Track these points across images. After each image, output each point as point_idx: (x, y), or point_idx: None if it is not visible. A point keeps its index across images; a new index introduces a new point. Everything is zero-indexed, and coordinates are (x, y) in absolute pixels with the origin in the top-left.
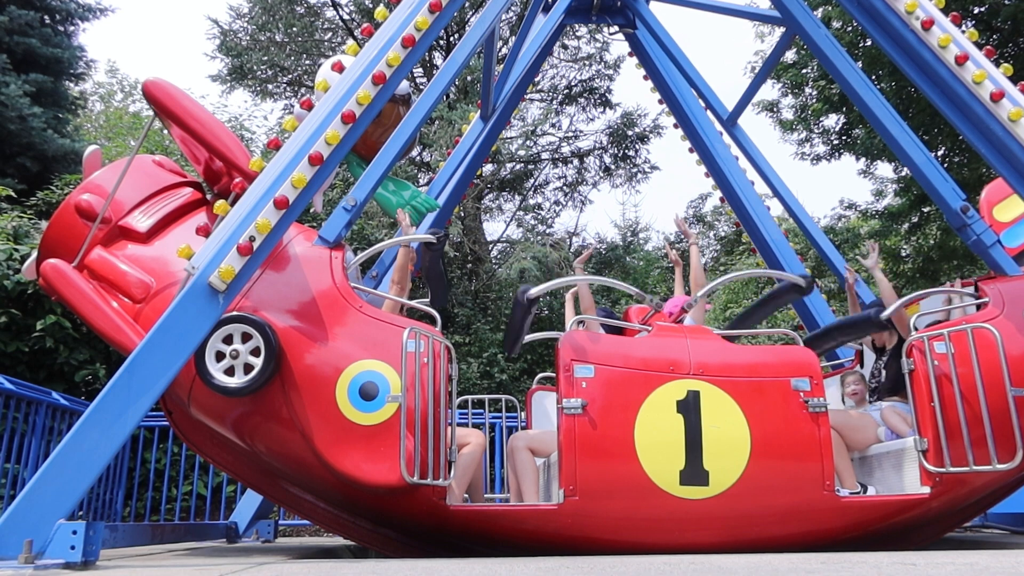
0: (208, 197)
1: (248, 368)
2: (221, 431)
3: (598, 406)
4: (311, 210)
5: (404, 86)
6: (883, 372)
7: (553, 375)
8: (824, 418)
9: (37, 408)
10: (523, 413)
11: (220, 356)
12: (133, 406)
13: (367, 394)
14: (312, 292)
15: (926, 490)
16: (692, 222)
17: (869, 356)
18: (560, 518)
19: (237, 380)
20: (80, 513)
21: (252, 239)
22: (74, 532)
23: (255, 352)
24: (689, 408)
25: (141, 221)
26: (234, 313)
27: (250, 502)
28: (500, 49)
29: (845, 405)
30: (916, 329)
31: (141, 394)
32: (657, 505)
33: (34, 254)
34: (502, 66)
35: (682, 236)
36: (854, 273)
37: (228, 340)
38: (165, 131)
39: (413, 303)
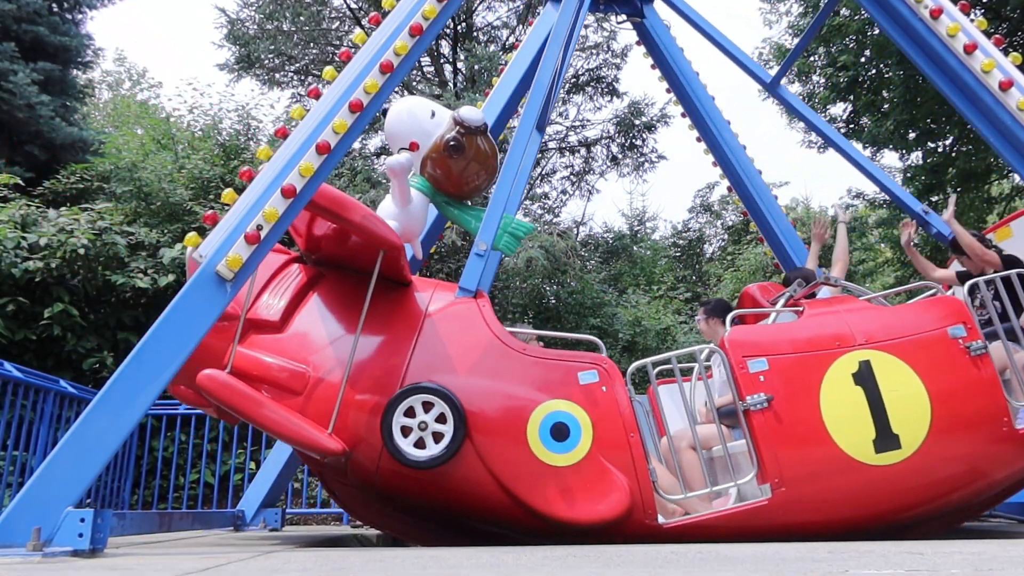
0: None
1: (438, 437)
2: (413, 502)
3: (781, 396)
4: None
5: (480, 117)
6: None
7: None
8: (986, 359)
9: (45, 396)
10: None
11: (405, 431)
12: (141, 394)
13: (559, 434)
14: (474, 345)
15: None
16: (699, 211)
17: None
18: (773, 512)
19: (431, 451)
20: (88, 501)
21: (260, 227)
22: (82, 520)
23: (440, 419)
24: (865, 378)
25: (268, 310)
26: (409, 386)
27: (257, 490)
28: (507, 39)
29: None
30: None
31: (149, 382)
32: (860, 477)
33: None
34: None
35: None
36: (910, 230)
37: (410, 413)
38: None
39: (567, 335)
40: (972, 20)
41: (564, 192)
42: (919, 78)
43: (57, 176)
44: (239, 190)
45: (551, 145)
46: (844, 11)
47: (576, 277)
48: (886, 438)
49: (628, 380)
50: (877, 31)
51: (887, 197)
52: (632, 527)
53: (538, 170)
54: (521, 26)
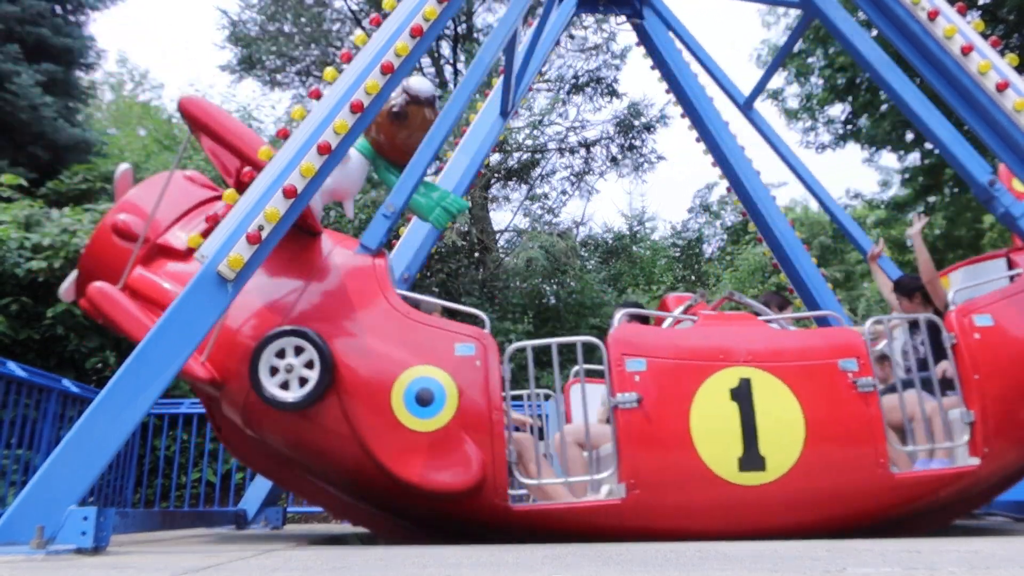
0: None
1: (303, 381)
2: (276, 445)
3: (653, 399)
4: (343, 217)
5: (429, 88)
6: (919, 348)
7: (598, 367)
8: (873, 397)
9: (48, 395)
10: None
11: (274, 371)
12: (143, 394)
13: (423, 400)
14: (360, 301)
15: (975, 461)
16: (698, 211)
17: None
18: (624, 512)
19: (293, 394)
20: (91, 499)
21: (261, 228)
22: (85, 518)
23: (309, 365)
24: (742, 395)
25: (180, 238)
26: (285, 327)
27: (259, 489)
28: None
29: None
30: (954, 304)
31: (151, 382)
32: (717, 493)
33: (72, 275)
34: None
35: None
36: (881, 245)
37: (281, 354)
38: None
39: (460, 307)
40: (969, 21)
41: (564, 192)
42: (916, 79)
43: (60, 177)
44: (240, 190)
45: (551, 145)
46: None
47: (576, 277)
48: (752, 458)
49: (506, 360)
50: (875, 32)
51: (885, 197)
52: (482, 504)
53: (538, 170)
54: (521, 27)
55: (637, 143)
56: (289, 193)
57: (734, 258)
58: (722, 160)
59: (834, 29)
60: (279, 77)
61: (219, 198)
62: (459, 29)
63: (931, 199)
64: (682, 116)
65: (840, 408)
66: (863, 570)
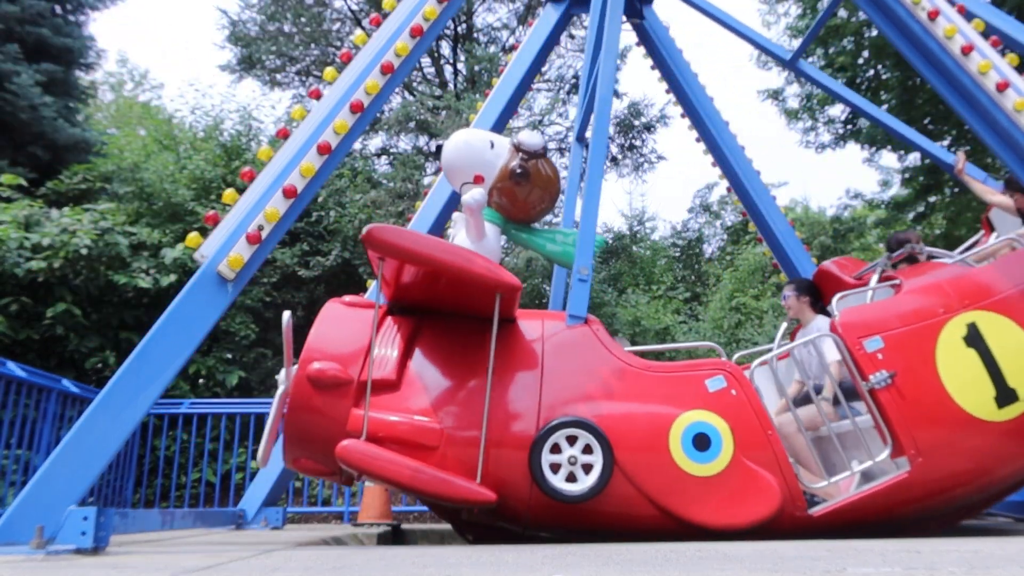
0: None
1: (587, 468)
2: (567, 530)
3: (901, 370)
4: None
5: (540, 141)
6: None
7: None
8: None
9: (48, 395)
10: None
11: (555, 468)
12: (143, 394)
13: (701, 444)
14: (600, 371)
15: None
16: (698, 211)
17: None
18: (914, 484)
19: (585, 484)
20: (90, 499)
21: (261, 228)
22: (85, 518)
23: (586, 450)
24: (975, 339)
25: (383, 368)
26: (552, 423)
27: (258, 489)
28: (507, 40)
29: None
30: None
31: (151, 382)
32: (989, 436)
33: (264, 439)
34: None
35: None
36: (961, 156)
37: (555, 450)
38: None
39: (685, 345)
40: (969, 22)
41: (564, 192)
42: (917, 79)
43: (60, 177)
44: (240, 190)
45: (551, 146)
46: (842, 12)
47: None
48: (1005, 393)
49: (754, 377)
50: (875, 32)
51: (886, 197)
52: (784, 522)
53: None
54: (521, 27)
55: (637, 143)
56: (289, 193)
57: (734, 258)
58: (722, 160)
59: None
60: (279, 77)
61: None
62: (459, 29)
63: (931, 199)
64: (682, 116)
65: None
66: (863, 570)
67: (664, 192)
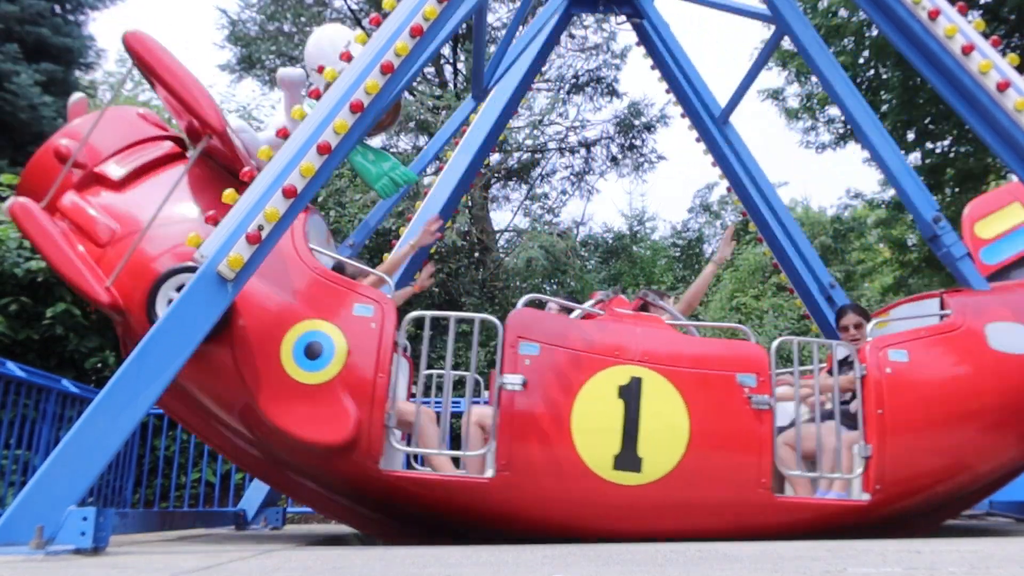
0: (188, 153)
1: None
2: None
3: (538, 384)
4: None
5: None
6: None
7: None
8: (768, 416)
9: (47, 395)
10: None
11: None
12: (142, 394)
13: (312, 353)
14: (279, 247)
15: (866, 497)
16: (698, 211)
17: None
18: (491, 492)
19: None
20: (90, 500)
21: (261, 228)
22: (84, 518)
23: None
24: (631, 394)
25: (115, 169)
26: (188, 263)
27: (259, 489)
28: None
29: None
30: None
31: (150, 382)
32: (588, 488)
33: (12, 199)
34: (494, 47)
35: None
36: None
37: (181, 289)
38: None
39: (367, 268)
40: (970, 21)
41: (564, 192)
42: (917, 79)
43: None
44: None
45: (551, 145)
46: (842, 12)
47: (576, 277)
48: (628, 458)
49: (403, 327)
50: (875, 32)
51: (886, 197)
52: (352, 465)
53: (538, 170)
54: (521, 27)
55: (637, 143)
56: (289, 193)
57: (735, 258)
58: (722, 160)
59: (801, 47)
60: None
61: (168, 138)
62: (459, 29)
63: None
64: (682, 116)
65: (729, 421)
66: (863, 570)
67: (664, 192)
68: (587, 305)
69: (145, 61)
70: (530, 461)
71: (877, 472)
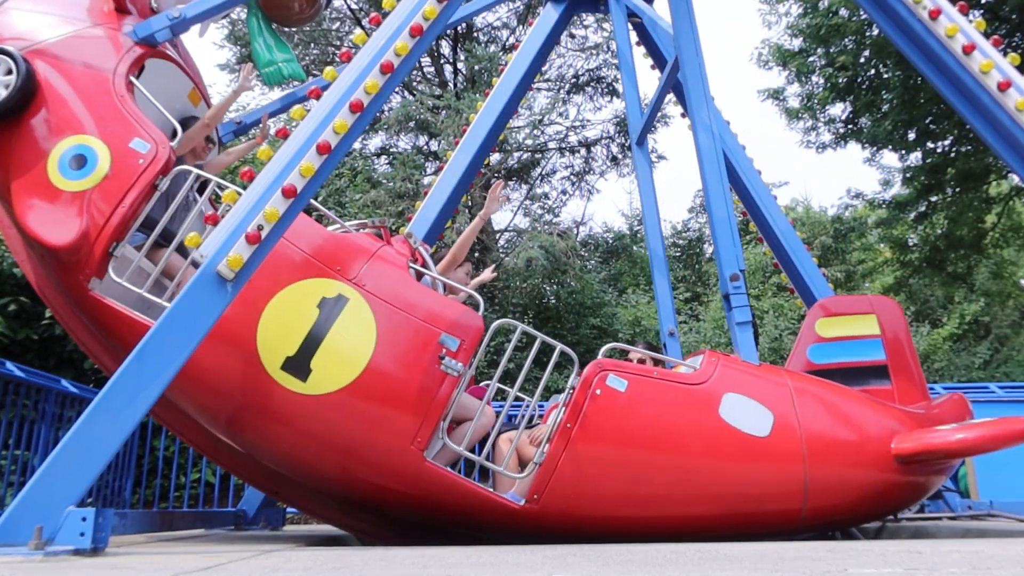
0: None
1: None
2: None
3: (251, 273)
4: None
5: None
6: None
7: None
8: (452, 382)
9: (46, 395)
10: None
11: None
12: (142, 394)
13: (76, 164)
14: (92, 63)
15: (520, 501)
16: (699, 211)
17: None
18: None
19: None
20: (89, 500)
21: (260, 228)
22: (84, 519)
23: (8, 72)
24: (330, 308)
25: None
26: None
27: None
28: (507, 39)
29: None
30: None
31: (150, 382)
32: (250, 375)
33: None
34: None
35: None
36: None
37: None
38: None
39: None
40: (970, 21)
41: (564, 192)
42: (918, 78)
43: None
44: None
45: (551, 145)
46: (843, 11)
47: (576, 277)
48: (299, 365)
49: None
50: (876, 31)
51: (887, 197)
52: (69, 277)
53: (538, 170)
54: (521, 26)
55: None
56: (289, 193)
57: None
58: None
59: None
60: None
61: None
62: (459, 28)
63: (933, 198)
64: (682, 116)
65: (411, 371)
66: (864, 571)
67: (664, 192)
68: (351, 223)
69: None
70: (213, 335)
71: (539, 481)
